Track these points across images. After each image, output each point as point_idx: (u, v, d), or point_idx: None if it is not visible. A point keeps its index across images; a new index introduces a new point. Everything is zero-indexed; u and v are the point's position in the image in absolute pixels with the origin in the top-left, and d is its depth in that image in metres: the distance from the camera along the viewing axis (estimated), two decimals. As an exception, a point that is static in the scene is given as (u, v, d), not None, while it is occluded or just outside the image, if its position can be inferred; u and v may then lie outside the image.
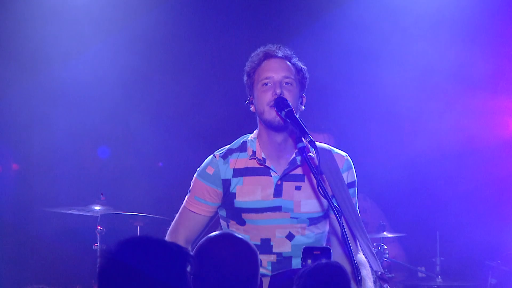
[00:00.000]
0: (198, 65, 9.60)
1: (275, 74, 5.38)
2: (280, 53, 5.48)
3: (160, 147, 9.12)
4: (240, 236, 4.66)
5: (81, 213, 8.80)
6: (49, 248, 9.34)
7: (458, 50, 9.47)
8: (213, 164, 5.51)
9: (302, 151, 5.22)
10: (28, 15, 9.45)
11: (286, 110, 5.24)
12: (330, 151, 5.50)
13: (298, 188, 5.48)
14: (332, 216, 5.50)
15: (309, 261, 4.63)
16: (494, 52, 9.44)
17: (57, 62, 9.46)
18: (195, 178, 5.56)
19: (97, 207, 8.77)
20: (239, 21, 9.91)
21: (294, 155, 5.47)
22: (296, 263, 5.44)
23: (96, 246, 8.65)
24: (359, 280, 4.93)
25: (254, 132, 5.54)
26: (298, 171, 5.48)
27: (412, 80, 9.50)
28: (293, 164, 5.45)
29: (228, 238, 4.67)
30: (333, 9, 9.93)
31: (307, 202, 5.49)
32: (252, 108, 5.49)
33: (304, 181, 5.49)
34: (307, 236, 5.48)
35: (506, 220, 9.17)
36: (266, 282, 5.12)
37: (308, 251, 4.70)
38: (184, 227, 5.46)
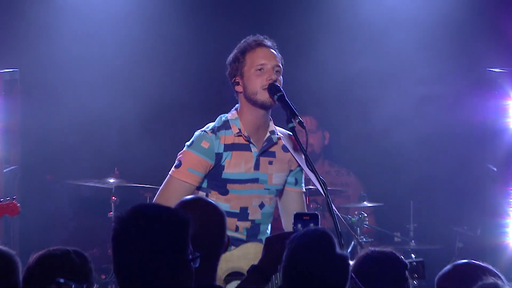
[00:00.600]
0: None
1: (268, 62, 5.49)
2: (269, 43, 5.59)
3: (168, 127, 9.07)
4: (210, 200, 4.83)
5: (97, 185, 8.87)
6: (70, 216, 9.34)
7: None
8: (207, 139, 5.52)
9: (293, 131, 5.39)
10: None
11: (278, 94, 5.37)
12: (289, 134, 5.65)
13: (270, 163, 5.60)
14: (288, 188, 5.74)
15: (299, 226, 4.55)
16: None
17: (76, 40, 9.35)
18: (187, 152, 5.56)
19: (111, 180, 8.83)
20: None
21: (268, 134, 5.61)
22: (263, 229, 5.61)
23: (111, 214, 8.69)
24: (342, 244, 4.82)
25: (233, 112, 5.64)
26: (271, 148, 5.61)
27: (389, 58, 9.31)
28: (269, 142, 5.58)
29: (202, 200, 4.80)
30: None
31: (276, 176, 5.63)
32: (237, 88, 5.58)
33: (275, 157, 5.61)
34: (271, 206, 5.65)
35: (471, 192, 9.09)
36: (260, 245, 5.12)
37: (299, 217, 4.63)
38: (174, 196, 5.38)
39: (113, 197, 8.78)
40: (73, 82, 9.39)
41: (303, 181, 5.80)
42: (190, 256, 3.88)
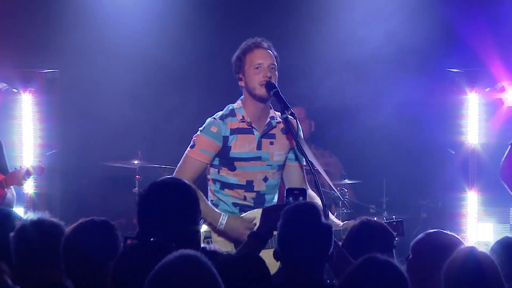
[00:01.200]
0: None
1: (264, 61, 5.50)
2: (265, 45, 5.59)
3: (188, 113, 8.82)
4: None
5: (124, 165, 8.88)
6: (102, 191, 9.25)
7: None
8: (216, 124, 5.52)
9: (286, 120, 5.46)
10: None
11: (273, 90, 5.41)
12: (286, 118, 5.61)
13: (271, 143, 5.62)
14: (288, 163, 5.74)
15: (291, 199, 4.56)
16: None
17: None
18: (199, 135, 5.55)
19: (135, 161, 8.81)
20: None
21: (269, 119, 5.63)
22: (269, 198, 5.62)
23: (135, 189, 8.70)
24: (327, 214, 4.96)
25: (238, 102, 5.64)
26: (272, 131, 5.63)
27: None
28: (269, 126, 5.60)
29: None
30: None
31: (277, 154, 5.64)
32: (241, 83, 5.60)
33: (275, 139, 5.63)
34: (275, 179, 5.65)
35: (433, 171, 9.07)
36: (259, 213, 5.02)
37: (290, 191, 4.64)
38: (190, 172, 5.45)
39: (137, 176, 8.79)
40: (104, 80, 9.25)
41: (302, 154, 5.69)
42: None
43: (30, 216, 4.24)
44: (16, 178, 5.52)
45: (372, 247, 3.98)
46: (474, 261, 3.62)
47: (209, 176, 5.67)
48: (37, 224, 4.15)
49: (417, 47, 9.02)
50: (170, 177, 4.47)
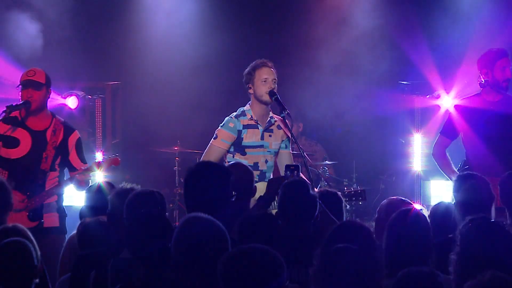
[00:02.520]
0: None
1: (269, 77, 5.49)
2: (270, 64, 5.55)
3: (221, 107, 8.06)
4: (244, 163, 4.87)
5: (167, 150, 8.80)
6: (152, 169, 8.97)
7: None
8: (232, 121, 5.48)
9: (284, 118, 5.45)
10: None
11: (274, 97, 5.43)
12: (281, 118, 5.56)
13: (270, 136, 5.58)
14: (281, 151, 5.62)
15: (288, 172, 4.53)
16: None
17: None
18: (220, 129, 5.48)
19: (175, 147, 8.74)
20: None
21: (269, 118, 5.59)
22: (268, 175, 5.51)
23: (175, 168, 8.67)
24: (313, 187, 4.69)
25: (247, 105, 5.57)
26: (271, 127, 5.59)
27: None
28: (269, 123, 5.58)
29: (239, 163, 4.87)
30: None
31: (274, 143, 5.60)
32: (250, 91, 5.53)
33: (273, 132, 5.59)
34: (272, 161, 5.59)
35: (389, 154, 9.01)
36: (264, 185, 4.93)
37: (288, 167, 4.61)
38: (214, 156, 5.38)
39: (176, 158, 8.75)
40: (152, 89, 9.18)
41: (290, 145, 5.68)
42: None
43: (128, 185, 4.22)
44: (101, 166, 5.46)
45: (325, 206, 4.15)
46: (410, 216, 3.56)
47: (226, 160, 5.57)
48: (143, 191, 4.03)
49: (377, 65, 8.88)
50: (208, 161, 4.60)
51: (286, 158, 5.67)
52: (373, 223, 4.67)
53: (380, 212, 4.33)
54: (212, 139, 5.52)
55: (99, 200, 4.44)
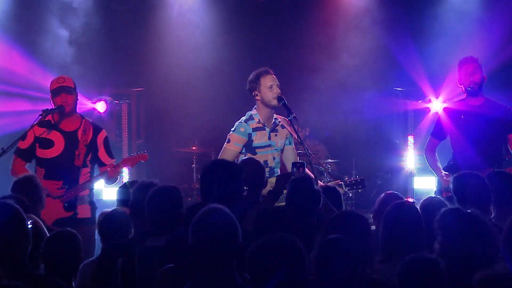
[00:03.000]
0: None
1: (274, 83, 5.42)
2: (271, 72, 5.49)
3: (233, 111, 7.99)
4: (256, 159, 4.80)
5: (186, 150, 8.86)
6: (172, 166, 8.94)
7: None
8: (243, 126, 5.42)
9: (291, 121, 5.35)
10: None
11: (282, 102, 5.37)
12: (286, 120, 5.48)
13: (276, 135, 5.53)
14: (286, 147, 5.55)
15: (294, 169, 4.47)
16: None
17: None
18: (232, 134, 5.42)
19: (193, 147, 8.82)
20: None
21: (274, 120, 5.53)
22: (276, 171, 5.48)
23: (193, 165, 8.77)
24: (317, 182, 4.76)
25: (253, 110, 5.51)
26: (276, 128, 5.53)
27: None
28: (274, 125, 5.52)
29: (252, 159, 4.80)
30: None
31: (280, 142, 5.55)
32: (257, 97, 5.46)
33: (278, 132, 5.54)
34: (278, 158, 5.54)
35: (386, 153, 8.95)
36: (273, 180, 4.89)
37: (294, 164, 4.54)
38: (227, 157, 5.28)
39: (194, 157, 8.84)
40: (174, 92, 9.07)
41: (293, 142, 5.60)
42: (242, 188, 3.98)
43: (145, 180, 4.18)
44: (130, 162, 5.49)
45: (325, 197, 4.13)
46: (403, 208, 3.56)
47: (239, 160, 5.40)
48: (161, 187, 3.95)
49: (375, 73, 8.92)
50: (221, 159, 4.57)
51: (290, 153, 5.63)
52: (371, 215, 4.67)
53: (377, 205, 4.35)
54: (225, 143, 5.47)
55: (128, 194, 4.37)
